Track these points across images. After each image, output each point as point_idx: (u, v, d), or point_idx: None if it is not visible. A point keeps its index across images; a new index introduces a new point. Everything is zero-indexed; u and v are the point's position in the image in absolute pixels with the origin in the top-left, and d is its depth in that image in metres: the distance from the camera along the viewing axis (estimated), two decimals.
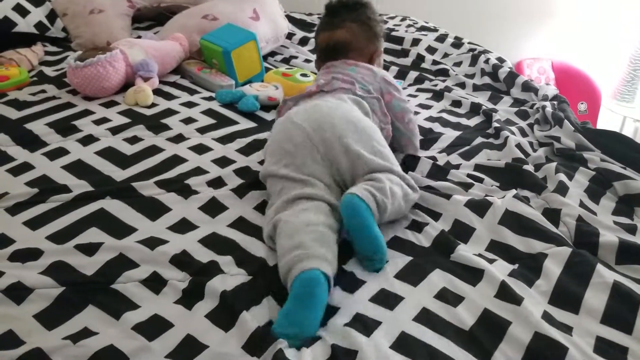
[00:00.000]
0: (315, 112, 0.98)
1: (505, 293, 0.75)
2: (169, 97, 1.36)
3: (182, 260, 0.82)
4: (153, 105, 1.31)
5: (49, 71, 1.50)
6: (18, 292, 0.74)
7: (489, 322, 0.71)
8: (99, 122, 1.21)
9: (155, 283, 0.78)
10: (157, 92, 1.37)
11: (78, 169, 1.04)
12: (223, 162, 1.10)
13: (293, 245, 0.77)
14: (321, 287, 0.72)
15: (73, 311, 0.72)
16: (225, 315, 0.72)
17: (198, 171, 1.06)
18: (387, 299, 0.75)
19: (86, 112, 1.25)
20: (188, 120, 1.24)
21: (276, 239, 0.82)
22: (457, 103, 1.48)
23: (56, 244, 0.85)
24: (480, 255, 0.85)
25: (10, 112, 1.23)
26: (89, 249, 0.83)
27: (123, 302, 0.74)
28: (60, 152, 1.09)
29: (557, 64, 2.97)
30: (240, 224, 0.92)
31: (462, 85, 1.62)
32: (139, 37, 1.67)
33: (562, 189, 1.02)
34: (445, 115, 1.40)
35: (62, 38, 1.74)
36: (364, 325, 0.70)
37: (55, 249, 0.83)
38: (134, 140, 1.14)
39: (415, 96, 1.53)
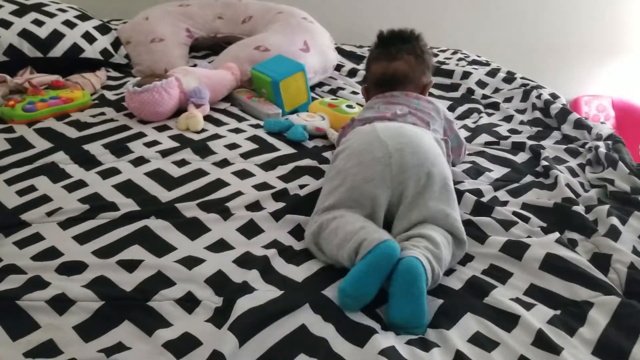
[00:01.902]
0: (400, 134, 0.98)
1: (542, 341, 0.72)
2: (218, 123, 1.41)
3: (216, 280, 0.83)
4: (203, 130, 1.36)
5: (110, 95, 1.59)
6: (62, 304, 0.78)
7: None
8: (150, 144, 1.27)
9: (189, 303, 0.79)
10: (207, 118, 1.42)
11: (127, 188, 1.09)
12: (263, 186, 1.12)
13: (358, 227, 0.84)
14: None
15: (110, 325, 0.75)
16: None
17: (238, 195, 1.08)
18: (421, 343, 0.73)
19: (140, 135, 1.31)
20: (233, 146, 1.28)
21: (324, 235, 0.88)
22: (501, 138, 1.45)
23: (100, 258, 0.88)
24: (517, 299, 0.81)
25: (71, 132, 1.31)
26: (130, 266, 0.86)
27: (157, 320, 0.76)
28: (113, 171, 1.14)
29: (618, 101, 2.86)
30: (274, 246, 0.93)
31: (508, 119, 1.59)
32: (195, 65, 1.75)
33: (614, 233, 0.97)
34: (488, 150, 1.37)
35: (124, 64, 1.84)
36: None
37: (99, 264, 0.87)
38: (181, 163, 1.19)
39: None
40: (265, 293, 0.79)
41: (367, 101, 1.27)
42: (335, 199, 0.93)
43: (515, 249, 0.91)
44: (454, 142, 1.20)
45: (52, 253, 0.90)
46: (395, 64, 1.21)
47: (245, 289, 0.81)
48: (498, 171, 1.26)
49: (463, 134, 1.45)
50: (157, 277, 0.84)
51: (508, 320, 0.76)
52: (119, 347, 0.71)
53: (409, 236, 0.87)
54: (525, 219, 1.03)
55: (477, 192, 1.13)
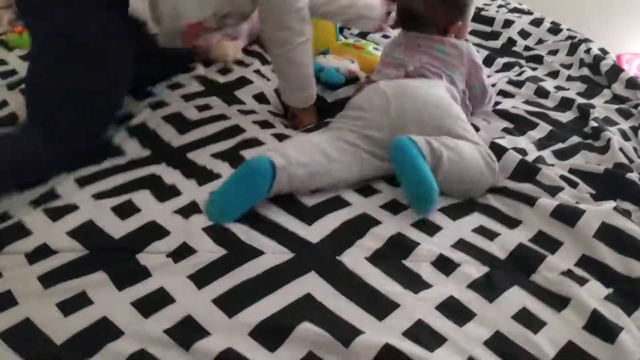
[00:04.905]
0: (402, 84, 1.00)
1: (596, 326, 0.63)
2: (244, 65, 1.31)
3: (217, 233, 0.76)
4: (228, 71, 1.25)
5: None
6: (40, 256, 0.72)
7: (574, 358, 0.60)
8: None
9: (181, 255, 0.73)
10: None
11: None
12: (281, 137, 1.03)
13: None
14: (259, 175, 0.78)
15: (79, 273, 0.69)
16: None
17: (256, 144, 0.99)
18: (456, 312, 0.65)
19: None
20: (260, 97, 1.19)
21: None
22: (544, 94, 1.31)
23: (97, 201, 0.83)
24: (569, 271, 0.72)
25: None
26: (125, 212, 0.80)
27: (138, 273, 0.70)
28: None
29: None
30: (287, 200, 0.84)
31: (554, 75, 1.45)
32: None
33: None
34: (531, 108, 1.24)
35: None
36: (427, 337, 0.60)
37: (93, 206, 0.81)
38: (203, 108, 1.10)
39: (494, 84, 1.37)
40: (272, 257, 0.72)
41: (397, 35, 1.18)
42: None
43: (568, 215, 0.81)
44: (477, 89, 1.13)
45: (49, 195, 0.84)
46: (413, 1, 1.10)
47: (251, 248, 0.73)
48: (541, 130, 1.14)
49: (505, 87, 1.33)
50: (152, 227, 0.77)
51: (558, 299, 0.67)
52: (80, 299, 0.65)
53: None
54: (573, 184, 0.92)
55: (520, 152, 1.01)
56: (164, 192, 0.85)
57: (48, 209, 0.80)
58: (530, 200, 0.85)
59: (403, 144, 0.83)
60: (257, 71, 1.27)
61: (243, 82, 1.22)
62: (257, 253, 0.73)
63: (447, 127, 0.92)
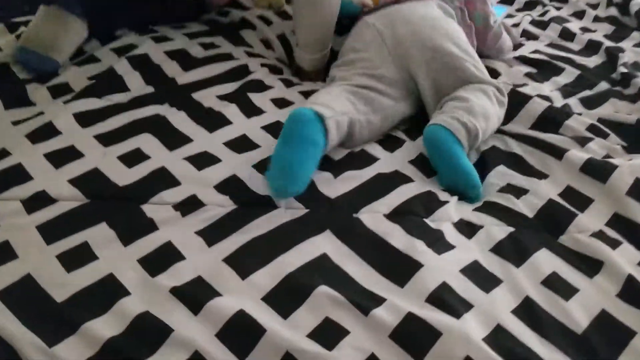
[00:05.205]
0: (390, 12, 0.93)
1: (630, 293, 0.59)
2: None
3: (231, 186, 0.71)
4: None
5: None
6: (39, 202, 0.67)
7: (608, 328, 0.56)
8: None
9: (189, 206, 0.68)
10: None
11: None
12: (290, 84, 0.98)
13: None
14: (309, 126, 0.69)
15: (83, 225, 0.65)
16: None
17: (262, 87, 0.94)
18: (481, 278, 0.60)
19: None
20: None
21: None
22: (569, 36, 1.23)
23: (103, 145, 0.77)
24: (600, 232, 0.67)
25: None
26: (132, 159, 0.75)
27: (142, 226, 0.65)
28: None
29: None
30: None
31: (579, 15, 1.35)
32: None
33: None
34: (554, 51, 1.16)
35: None
36: (452, 302, 0.56)
37: (97, 153, 0.75)
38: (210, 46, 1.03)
39: (517, 25, 1.28)
40: (285, 212, 0.67)
41: None
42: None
43: (599, 170, 0.75)
44: (478, 22, 1.03)
45: (49, 131, 0.78)
46: None
47: (262, 199, 0.69)
48: (567, 75, 1.07)
49: (528, 28, 1.25)
50: (160, 175, 0.72)
51: (590, 263, 0.63)
52: (83, 252, 0.61)
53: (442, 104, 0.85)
54: (603, 135, 0.86)
55: (544, 100, 0.94)
56: (173, 138, 0.79)
57: (50, 154, 0.75)
58: (558, 152, 0.80)
59: (432, 132, 0.76)
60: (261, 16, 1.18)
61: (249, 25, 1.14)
62: (269, 207, 0.68)
63: (447, 50, 0.86)
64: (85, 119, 0.82)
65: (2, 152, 0.74)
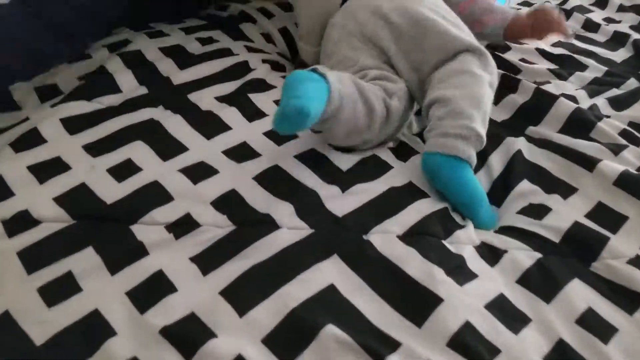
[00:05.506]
0: (349, 4, 0.88)
1: None
2: None
3: (228, 203, 0.65)
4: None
5: None
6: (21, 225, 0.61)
7: None
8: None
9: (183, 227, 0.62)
10: None
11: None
12: None
13: None
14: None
15: (68, 251, 0.59)
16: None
17: (263, 86, 0.87)
18: (508, 316, 0.54)
19: None
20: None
21: None
22: (593, 27, 1.15)
23: (91, 155, 0.71)
24: (637, 258, 0.61)
25: None
26: (122, 172, 0.69)
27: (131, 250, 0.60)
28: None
29: None
30: (311, 155, 0.74)
31: (602, 4, 1.27)
32: None
33: None
34: (578, 43, 1.09)
35: None
36: (476, 347, 0.50)
37: (85, 165, 0.69)
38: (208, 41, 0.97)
39: None
40: (288, 233, 0.61)
41: None
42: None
43: (635, 184, 0.68)
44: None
45: (33, 137, 0.73)
46: None
47: (262, 218, 0.63)
48: (592, 71, 0.99)
49: None
50: (152, 190, 0.66)
51: (628, 295, 0.57)
52: (66, 283, 0.55)
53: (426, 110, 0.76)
54: (636, 141, 0.79)
55: (570, 99, 0.87)
56: (168, 146, 0.73)
57: (35, 166, 0.69)
58: (589, 163, 0.72)
59: (427, 164, 0.69)
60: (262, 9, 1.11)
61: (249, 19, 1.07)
62: (271, 227, 0.62)
63: (413, 10, 0.80)
64: (73, 125, 0.76)
65: None
